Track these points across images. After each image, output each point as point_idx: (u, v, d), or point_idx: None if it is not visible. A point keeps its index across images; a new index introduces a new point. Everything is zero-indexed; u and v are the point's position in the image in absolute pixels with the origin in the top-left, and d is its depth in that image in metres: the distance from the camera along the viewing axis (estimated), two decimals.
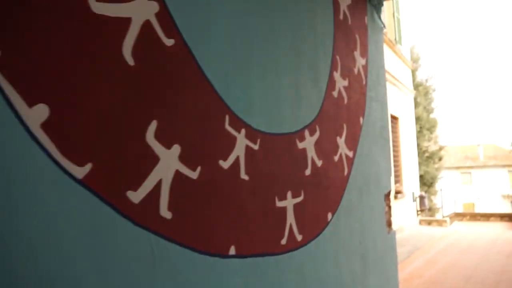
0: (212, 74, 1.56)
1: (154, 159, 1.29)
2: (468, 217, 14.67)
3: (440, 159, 20.99)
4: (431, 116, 19.67)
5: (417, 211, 11.83)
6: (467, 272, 5.98)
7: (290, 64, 2.09)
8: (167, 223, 1.31)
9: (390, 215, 3.44)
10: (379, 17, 3.63)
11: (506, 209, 25.12)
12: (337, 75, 2.63)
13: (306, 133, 2.20)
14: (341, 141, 2.60)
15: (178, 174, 1.37)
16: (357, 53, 3.02)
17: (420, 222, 11.94)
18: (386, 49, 10.49)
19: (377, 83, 3.46)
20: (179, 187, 1.37)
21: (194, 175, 1.43)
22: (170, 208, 1.32)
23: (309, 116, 2.25)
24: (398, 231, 9.88)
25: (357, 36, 3.05)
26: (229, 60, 1.68)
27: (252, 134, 1.75)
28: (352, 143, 2.79)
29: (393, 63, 10.98)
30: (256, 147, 1.77)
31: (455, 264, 6.53)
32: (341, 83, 2.69)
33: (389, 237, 3.35)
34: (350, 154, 2.73)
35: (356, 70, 2.97)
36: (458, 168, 32.30)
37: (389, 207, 3.44)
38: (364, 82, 3.12)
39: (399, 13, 12.18)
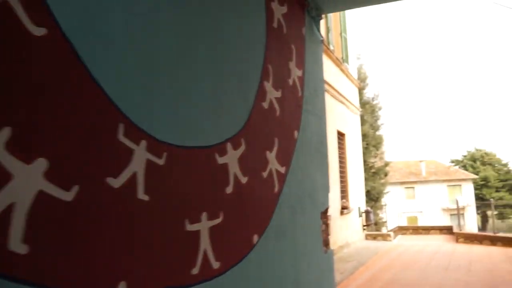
0: (102, 74, 1.30)
1: (3, 177, 1.00)
2: (410, 230, 15.16)
3: (385, 174, 21.72)
4: (377, 133, 20.38)
5: (363, 226, 12.00)
6: (410, 287, 6.00)
7: (210, 69, 1.87)
8: (21, 260, 1.02)
9: (327, 234, 3.29)
10: (318, 30, 3.55)
11: (446, 221, 26.41)
12: (268, 85, 2.46)
13: (229, 146, 1.98)
14: (271, 156, 2.41)
15: (42, 196, 1.08)
16: (292, 64, 2.87)
17: (366, 237, 12.11)
18: (333, 67, 10.69)
19: (315, 96, 3.35)
20: (43, 212, 1.08)
21: (67, 196, 1.15)
22: (27, 240, 1.03)
23: (233, 128, 2.04)
24: (344, 247, 9.91)
25: (293, 46, 2.92)
26: (128, 60, 1.43)
27: (156, 146, 1.50)
28: (285, 158, 2.61)
29: (340, 81, 11.20)
30: (161, 162, 1.52)
31: (397, 280, 6.56)
32: (273, 94, 2.52)
33: (326, 257, 3.19)
34: (282, 170, 2.55)
35: (291, 81, 2.82)
36: (402, 183, 33.67)
37: (327, 225, 3.30)
38: (300, 94, 2.98)
39: (346, 33, 12.53)
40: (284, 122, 2.64)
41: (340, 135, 10.85)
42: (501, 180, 34.03)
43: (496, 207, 29.13)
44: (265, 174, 2.31)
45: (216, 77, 1.91)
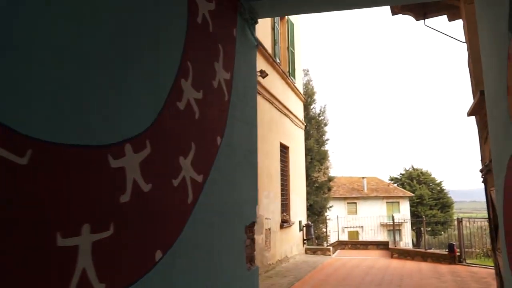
0: None
1: None
2: (349, 245, 15.45)
3: (329, 189, 22.18)
4: (322, 148, 20.81)
5: (303, 240, 12.00)
6: None
7: (104, 56, 1.61)
8: None
9: (252, 250, 3.08)
10: (253, 34, 3.40)
11: (384, 236, 27.40)
12: (186, 84, 2.23)
13: (128, 148, 1.71)
14: (185, 162, 2.17)
15: None
16: (218, 65, 2.67)
17: (306, 251, 12.11)
18: (279, 80, 10.71)
19: (246, 103, 3.17)
20: None
21: None
22: None
23: (135, 127, 1.78)
24: (283, 261, 9.79)
25: (220, 47, 2.72)
26: None
27: (14, 141, 1.21)
28: (204, 165, 2.38)
29: (286, 95, 11.25)
30: (22, 160, 1.23)
31: None
32: (192, 94, 2.29)
33: (250, 275, 2.97)
34: (199, 178, 2.32)
35: (216, 83, 2.62)
36: (345, 198, 34.65)
37: (252, 240, 3.10)
38: (226, 98, 2.78)
39: (294, 48, 12.69)
40: (204, 126, 2.41)
41: (284, 148, 10.83)
42: (435, 199, 36.06)
43: (429, 224, 30.76)
44: (176, 182, 2.06)
45: (115, 66, 1.65)
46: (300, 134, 13.10)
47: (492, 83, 2.54)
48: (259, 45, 3.59)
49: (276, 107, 10.09)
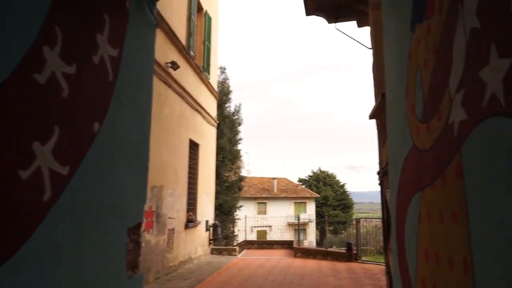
0: None
1: None
2: (256, 245, 15.58)
3: (239, 189, 22.28)
4: (235, 147, 20.80)
5: (210, 240, 11.73)
6: None
7: None
8: None
9: (137, 255, 2.71)
10: (152, 11, 3.02)
11: (291, 236, 28.40)
12: (51, 54, 1.80)
13: None
14: (43, 149, 1.75)
15: None
16: (102, 38, 2.27)
17: (212, 251, 11.86)
18: (192, 74, 10.31)
19: (138, 88, 2.78)
20: None
21: None
22: None
23: None
24: (186, 262, 9.40)
25: (106, 17, 2.32)
26: None
27: None
28: (71, 155, 1.97)
29: (198, 90, 10.88)
30: None
31: None
32: (59, 66, 1.86)
33: (131, 285, 2.60)
34: (64, 170, 1.90)
35: (96, 59, 2.21)
36: (255, 198, 35.27)
37: (138, 243, 2.72)
38: (110, 79, 2.37)
39: (210, 43, 12.38)
40: (75, 108, 2.00)
41: (194, 145, 10.46)
42: (338, 200, 38.54)
43: (331, 223, 32.69)
44: (24, 174, 1.63)
45: None
46: (212, 131, 12.82)
47: (392, 83, 2.53)
48: (159, 24, 3.22)
49: (187, 102, 9.68)
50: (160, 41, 7.41)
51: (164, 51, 8.00)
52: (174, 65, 8.29)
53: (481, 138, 1.25)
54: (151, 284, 6.93)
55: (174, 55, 8.62)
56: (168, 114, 8.30)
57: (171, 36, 8.44)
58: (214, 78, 13.27)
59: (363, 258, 10.83)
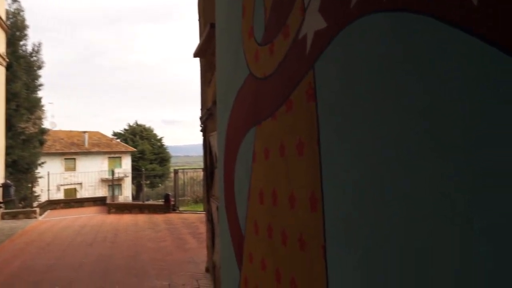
0: None
1: None
2: (62, 204, 13.89)
3: (41, 143, 19.34)
4: (34, 95, 17.62)
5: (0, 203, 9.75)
6: (38, 276, 4.89)
7: None
8: None
9: None
10: None
11: (105, 192, 26.67)
12: None
13: None
14: None
15: None
16: None
17: (3, 216, 9.91)
18: None
19: None
20: None
21: None
22: None
23: None
24: None
25: None
26: None
27: None
28: None
29: None
30: None
31: (27, 267, 5.31)
32: None
33: None
34: None
35: None
36: (63, 154, 31.51)
37: None
38: None
39: None
40: None
41: None
42: (155, 154, 38.01)
43: (148, 177, 32.28)
44: None
45: None
46: None
47: (224, 6, 2.20)
48: None
49: None
50: None
51: None
52: None
53: (344, 49, 1.03)
54: None
55: None
56: None
57: None
58: (3, 4, 10.53)
59: (181, 208, 10.92)
